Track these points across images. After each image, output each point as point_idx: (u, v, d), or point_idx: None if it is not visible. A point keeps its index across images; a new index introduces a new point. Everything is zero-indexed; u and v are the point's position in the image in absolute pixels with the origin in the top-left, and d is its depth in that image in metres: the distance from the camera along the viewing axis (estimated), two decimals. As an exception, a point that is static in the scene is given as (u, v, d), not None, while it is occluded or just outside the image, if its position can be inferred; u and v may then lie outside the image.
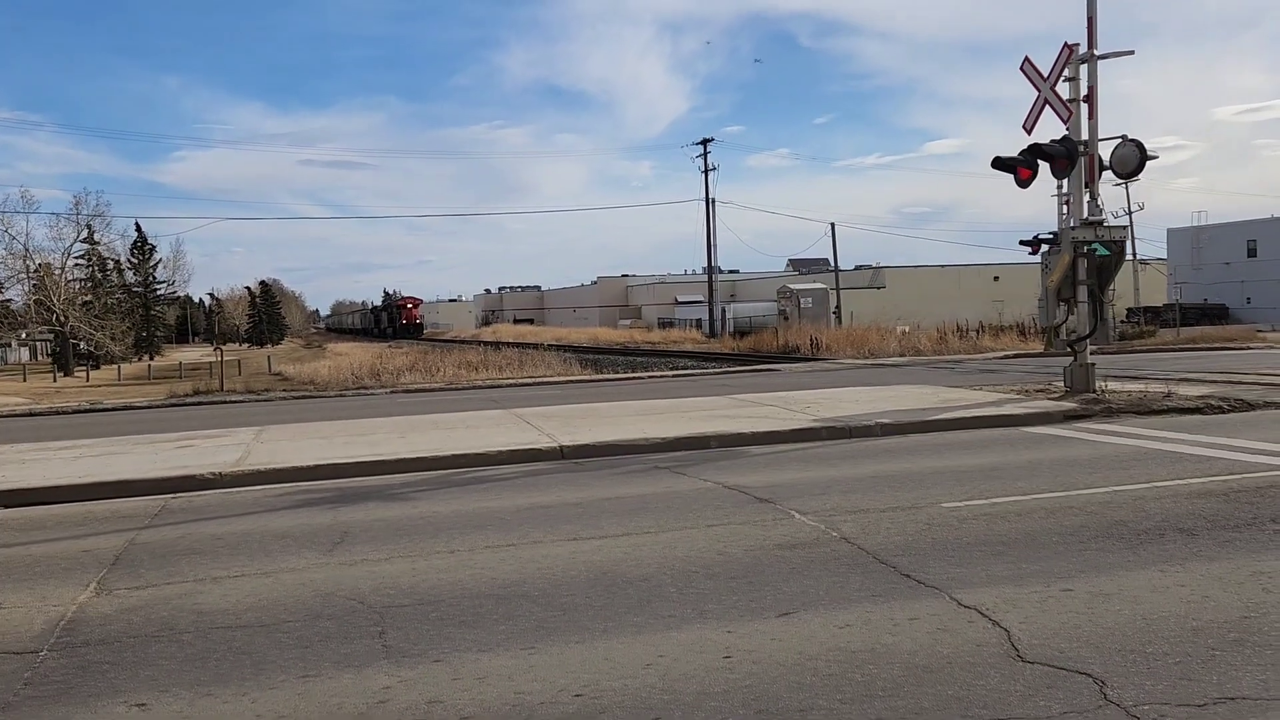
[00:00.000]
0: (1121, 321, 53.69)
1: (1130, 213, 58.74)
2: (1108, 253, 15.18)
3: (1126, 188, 58.46)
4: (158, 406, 22.67)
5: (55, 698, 4.83)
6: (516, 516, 8.51)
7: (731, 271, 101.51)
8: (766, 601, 5.92)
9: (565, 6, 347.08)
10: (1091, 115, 15.61)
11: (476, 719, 4.45)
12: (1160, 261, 68.34)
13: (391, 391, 24.79)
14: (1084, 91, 15.59)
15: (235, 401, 22.87)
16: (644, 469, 10.84)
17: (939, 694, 4.54)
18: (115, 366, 57.76)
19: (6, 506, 9.96)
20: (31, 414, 22.21)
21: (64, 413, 21.91)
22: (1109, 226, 15.39)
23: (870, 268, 78.92)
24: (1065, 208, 16.00)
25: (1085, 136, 15.57)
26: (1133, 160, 15.04)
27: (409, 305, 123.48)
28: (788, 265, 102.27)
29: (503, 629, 5.60)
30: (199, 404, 22.69)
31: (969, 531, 7.39)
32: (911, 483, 9.36)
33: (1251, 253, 62.17)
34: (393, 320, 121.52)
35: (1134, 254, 60.85)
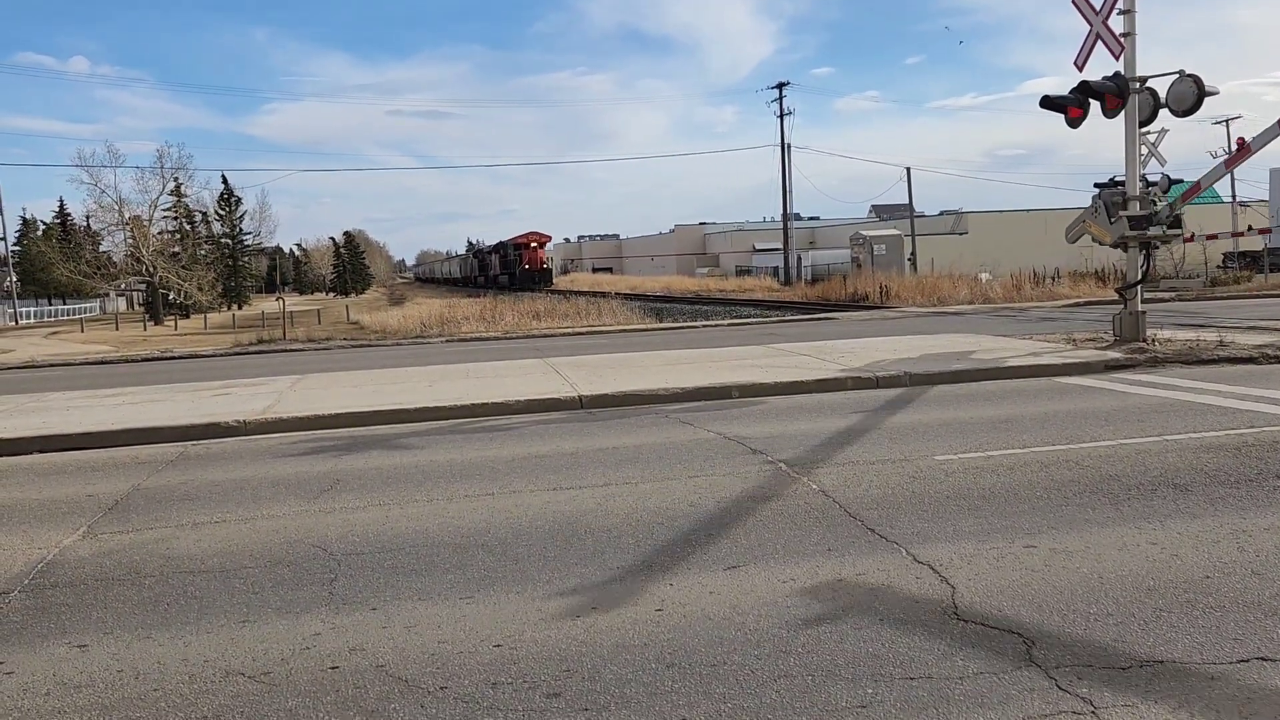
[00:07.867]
0: (1217, 267, 51.40)
1: (1229, 153, 55.95)
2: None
3: (1227, 125, 55.86)
4: (220, 355, 23.39)
5: (6, 637, 5.04)
6: (507, 466, 8.55)
7: (812, 218, 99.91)
8: (719, 555, 5.87)
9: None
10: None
11: (391, 667, 4.51)
12: (1261, 204, 64.86)
13: (447, 340, 25.13)
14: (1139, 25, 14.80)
15: (293, 350, 23.46)
16: (654, 419, 10.79)
17: (857, 650, 4.45)
18: (203, 316, 59.68)
19: (42, 451, 10.40)
20: (104, 361, 23.13)
21: (134, 360, 22.76)
22: (1162, 223, 14.55)
23: (954, 213, 76.66)
24: (1144, 151, 15.37)
25: (1140, 72, 14.81)
26: (1190, 96, 14.23)
27: (533, 245, 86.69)
28: (870, 211, 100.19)
29: (450, 578, 5.66)
30: (259, 353, 23.32)
31: (952, 485, 7.19)
32: (914, 434, 9.14)
33: (1363, 193, 58.50)
34: (508, 266, 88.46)
35: (1234, 196, 58.07)
